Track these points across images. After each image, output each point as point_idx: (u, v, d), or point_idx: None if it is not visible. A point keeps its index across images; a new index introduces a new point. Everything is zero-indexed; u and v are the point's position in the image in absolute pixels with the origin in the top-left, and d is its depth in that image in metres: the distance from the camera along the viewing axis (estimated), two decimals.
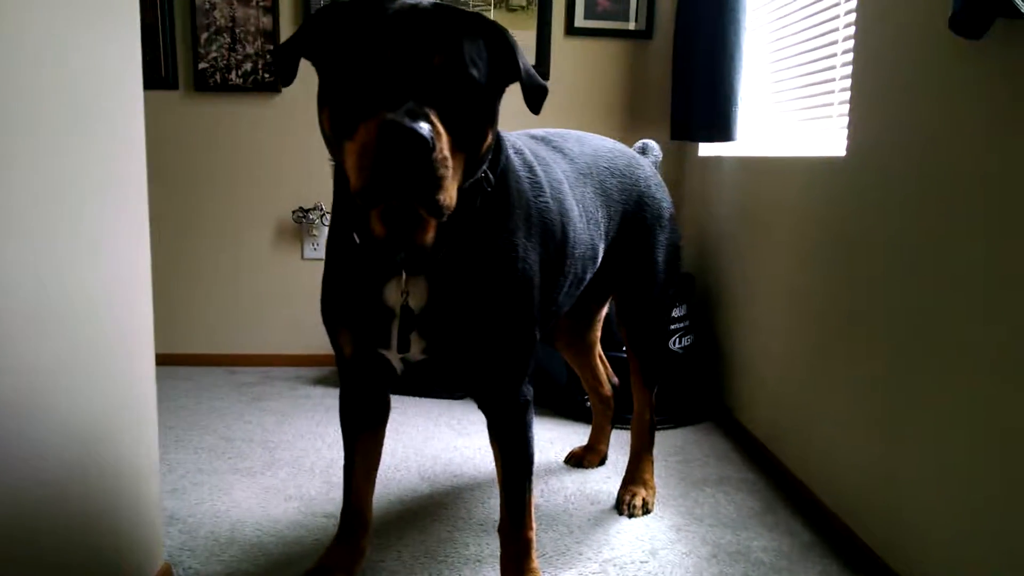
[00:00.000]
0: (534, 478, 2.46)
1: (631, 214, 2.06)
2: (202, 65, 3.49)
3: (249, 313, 3.71)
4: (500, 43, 1.34)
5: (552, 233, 1.66)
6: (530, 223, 1.59)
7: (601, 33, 3.54)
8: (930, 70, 1.73)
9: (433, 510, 2.25)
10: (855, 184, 2.03)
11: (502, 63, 1.34)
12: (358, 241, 1.47)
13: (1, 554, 1.26)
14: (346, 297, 1.58)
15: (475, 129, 1.28)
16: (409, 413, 3.02)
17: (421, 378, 1.63)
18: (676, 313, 2.97)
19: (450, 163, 1.19)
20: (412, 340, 1.51)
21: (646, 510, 2.22)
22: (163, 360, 3.69)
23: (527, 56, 1.41)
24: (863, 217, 1.99)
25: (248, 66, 3.49)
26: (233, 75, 3.50)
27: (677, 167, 3.61)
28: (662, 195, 2.16)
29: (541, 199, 1.64)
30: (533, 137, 1.90)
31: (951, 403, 1.63)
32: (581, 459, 2.57)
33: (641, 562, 1.96)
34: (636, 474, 2.29)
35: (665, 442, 2.77)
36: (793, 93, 2.60)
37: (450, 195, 1.22)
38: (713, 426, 2.96)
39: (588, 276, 1.90)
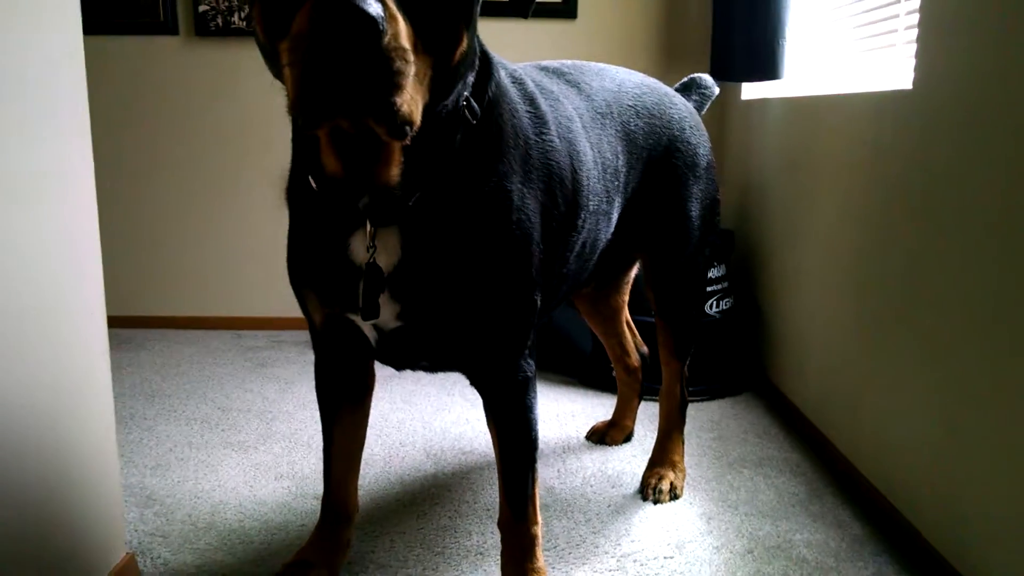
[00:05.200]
0: (549, 456, 2.27)
1: (659, 161, 1.77)
2: (202, 8, 3.25)
3: (257, 273, 3.49)
4: None
5: (560, 179, 1.39)
6: (529, 165, 1.32)
7: None
8: None
9: (436, 493, 2.02)
10: (923, 122, 1.72)
11: None
12: (315, 186, 1.22)
13: None
14: (310, 255, 1.34)
15: (444, 25, 1.01)
16: (423, 381, 2.80)
17: (401, 350, 1.39)
18: (714, 274, 2.68)
19: (411, 58, 0.93)
20: (383, 304, 1.27)
21: (674, 495, 1.96)
22: (167, 323, 3.57)
23: None
24: (928, 162, 1.68)
25: None
26: (236, 18, 3.25)
27: (718, 113, 3.29)
28: (698, 139, 1.86)
29: (545, 137, 1.37)
30: (543, 69, 1.62)
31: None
32: (604, 435, 2.32)
33: (665, 557, 1.72)
34: (664, 455, 2.03)
35: (699, 416, 2.50)
36: (849, 22, 2.27)
37: (411, 102, 0.95)
38: (753, 398, 2.68)
39: (603, 236, 1.63)
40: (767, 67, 2.55)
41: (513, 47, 3.25)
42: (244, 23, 3.25)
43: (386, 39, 0.89)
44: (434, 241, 1.24)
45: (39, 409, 1.35)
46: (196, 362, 3.08)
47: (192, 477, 2.10)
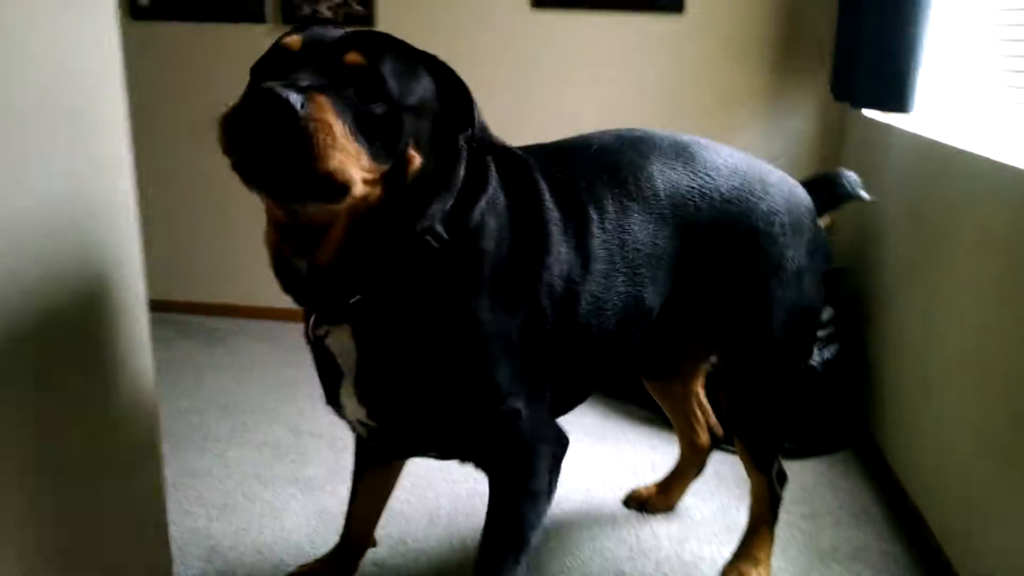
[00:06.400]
0: (623, 527, 2.10)
1: (731, 255, 1.58)
2: None
3: None
4: (448, 81, 1.22)
5: (550, 286, 1.36)
6: (508, 283, 1.31)
7: None
8: None
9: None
10: None
11: (450, 103, 1.22)
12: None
13: None
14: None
15: (389, 143, 1.12)
16: None
17: (389, 445, 1.51)
18: None
19: (336, 135, 1.02)
20: (354, 405, 1.34)
21: None
22: (248, 313, 3.54)
23: None
24: None
25: None
26: (323, 6, 3.11)
27: (834, 127, 2.99)
28: (789, 240, 1.61)
29: (537, 252, 1.35)
30: (568, 146, 1.54)
31: None
32: (645, 503, 2.17)
33: None
34: (749, 549, 1.86)
35: (791, 480, 2.28)
36: (1001, 60, 1.97)
37: (334, 160, 1.02)
38: (853, 459, 2.46)
39: (634, 329, 1.51)
40: (895, 98, 2.25)
41: (616, 43, 3.03)
42: (330, 13, 3.11)
43: (302, 113, 0.97)
44: (390, 350, 1.27)
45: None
46: (271, 363, 3.06)
47: (256, 524, 2.07)
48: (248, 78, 1.18)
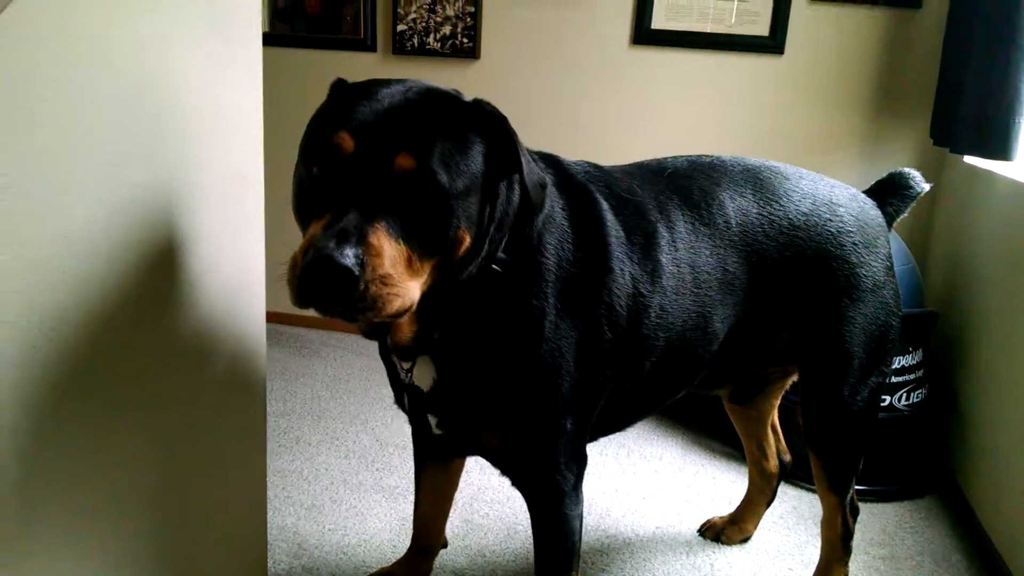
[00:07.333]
0: (699, 554, 2.13)
1: (803, 277, 1.61)
2: (400, 27, 3.28)
3: None
4: (496, 135, 1.20)
5: (609, 306, 1.39)
6: (571, 296, 1.35)
7: None
8: None
9: None
10: None
11: (499, 155, 1.20)
12: None
13: None
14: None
15: (441, 237, 1.13)
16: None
17: (451, 449, 1.69)
18: (906, 361, 2.43)
19: (395, 279, 1.07)
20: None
21: None
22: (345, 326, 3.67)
23: None
24: None
25: (447, 29, 3.23)
26: (431, 39, 3.26)
27: (932, 172, 2.95)
28: (861, 258, 1.63)
29: (597, 265, 1.38)
30: (640, 169, 1.60)
31: None
32: (720, 533, 2.18)
33: None
34: None
35: (871, 523, 2.29)
36: None
37: (394, 306, 1.08)
38: (937, 505, 2.42)
39: (701, 352, 1.56)
40: (997, 145, 2.24)
41: (713, 82, 3.08)
42: (438, 45, 3.25)
43: (363, 279, 1.02)
44: (465, 367, 1.35)
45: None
46: (364, 379, 3.17)
47: (342, 526, 2.16)
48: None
